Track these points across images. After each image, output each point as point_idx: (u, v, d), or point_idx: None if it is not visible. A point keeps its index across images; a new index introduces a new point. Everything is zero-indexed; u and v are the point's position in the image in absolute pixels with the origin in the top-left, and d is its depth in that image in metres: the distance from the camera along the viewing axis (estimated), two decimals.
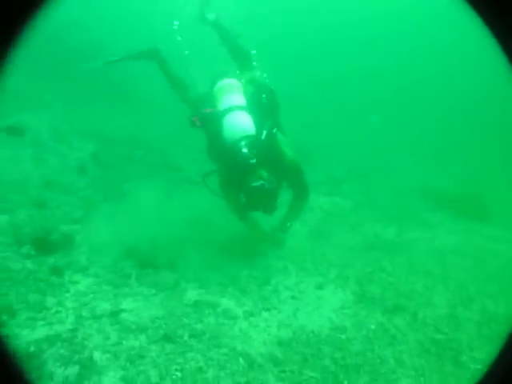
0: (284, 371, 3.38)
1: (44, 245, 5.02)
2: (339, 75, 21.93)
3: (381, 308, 4.51)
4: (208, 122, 5.42)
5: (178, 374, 3.21)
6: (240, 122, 5.22)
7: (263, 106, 5.48)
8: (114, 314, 3.95)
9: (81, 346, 3.11)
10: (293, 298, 4.68)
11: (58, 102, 10.81)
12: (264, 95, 5.53)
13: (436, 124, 17.08)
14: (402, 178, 11.52)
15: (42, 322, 3.71)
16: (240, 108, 5.36)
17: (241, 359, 3.47)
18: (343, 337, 3.93)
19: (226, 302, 4.45)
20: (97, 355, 3.29)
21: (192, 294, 4.56)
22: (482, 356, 3.76)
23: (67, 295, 4.23)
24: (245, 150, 5.01)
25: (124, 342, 3.53)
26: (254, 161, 5.00)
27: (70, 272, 4.72)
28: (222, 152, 5.31)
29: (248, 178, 5.04)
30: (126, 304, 4.19)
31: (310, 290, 4.91)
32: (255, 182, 4.97)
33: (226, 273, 5.16)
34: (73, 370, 2.95)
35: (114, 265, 5.04)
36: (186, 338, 3.69)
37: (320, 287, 4.96)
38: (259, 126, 5.29)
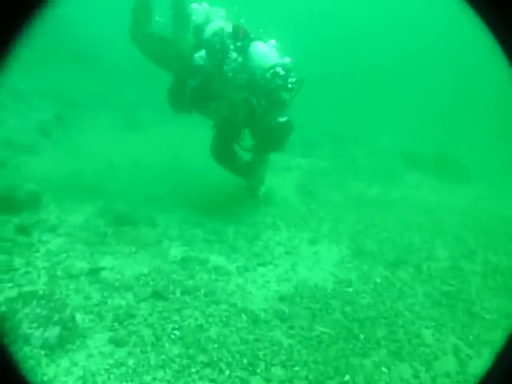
0: (292, 327, 3.03)
1: (8, 204, 4.45)
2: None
3: (381, 262, 4.24)
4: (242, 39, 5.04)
5: (177, 332, 2.81)
6: (269, 51, 4.96)
7: None
8: (93, 273, 3.47)
9: (61, 304, 2.66)
10: (287, 253, 4.33)
11: (17, 64, 9.96)
12: None
13: (414, 87, 16.88)
14: (376, 140, 11.28)
15: (10, 284, 3.20)
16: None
17: (244, 316, 3.10)
18: (350, 290, 3.62)
19: (216, 259, 4.05)
20: (78, 317, 2.83)
21: (177, 251, 4.12)
22: (493, 306, 3.55)
23: (37, 255, 3.69)
24: (282, 72, 4.77)
25: (109, 301, 3.08)
26: (291, 85, 4.86)
27: (38, 231, 4.14)
28: (245, 79, 4.98)
29: (273, 112, 4.84)
30: (105, 262, 3.70)
31: (304, 245, 4.58)
32: (281, 117, 4.81)
33: (211, 229, 4.73)
34: (53, 332, 2.51)
35: (86, 223, 4.50)
36: (178, 294, 3.28)
37: (314, 242, 4.64)
38: None
